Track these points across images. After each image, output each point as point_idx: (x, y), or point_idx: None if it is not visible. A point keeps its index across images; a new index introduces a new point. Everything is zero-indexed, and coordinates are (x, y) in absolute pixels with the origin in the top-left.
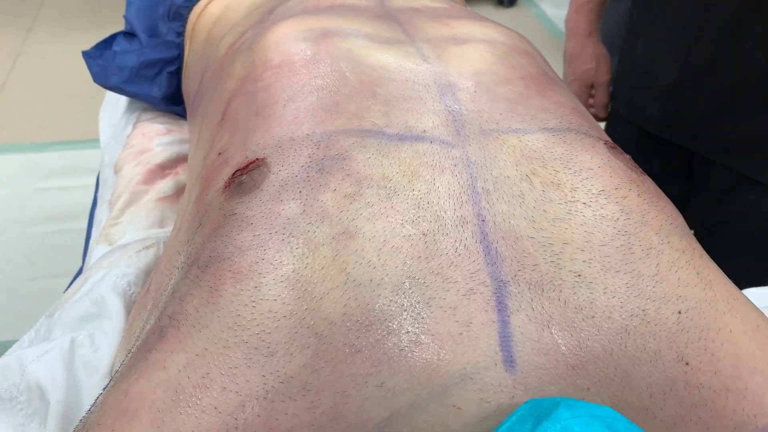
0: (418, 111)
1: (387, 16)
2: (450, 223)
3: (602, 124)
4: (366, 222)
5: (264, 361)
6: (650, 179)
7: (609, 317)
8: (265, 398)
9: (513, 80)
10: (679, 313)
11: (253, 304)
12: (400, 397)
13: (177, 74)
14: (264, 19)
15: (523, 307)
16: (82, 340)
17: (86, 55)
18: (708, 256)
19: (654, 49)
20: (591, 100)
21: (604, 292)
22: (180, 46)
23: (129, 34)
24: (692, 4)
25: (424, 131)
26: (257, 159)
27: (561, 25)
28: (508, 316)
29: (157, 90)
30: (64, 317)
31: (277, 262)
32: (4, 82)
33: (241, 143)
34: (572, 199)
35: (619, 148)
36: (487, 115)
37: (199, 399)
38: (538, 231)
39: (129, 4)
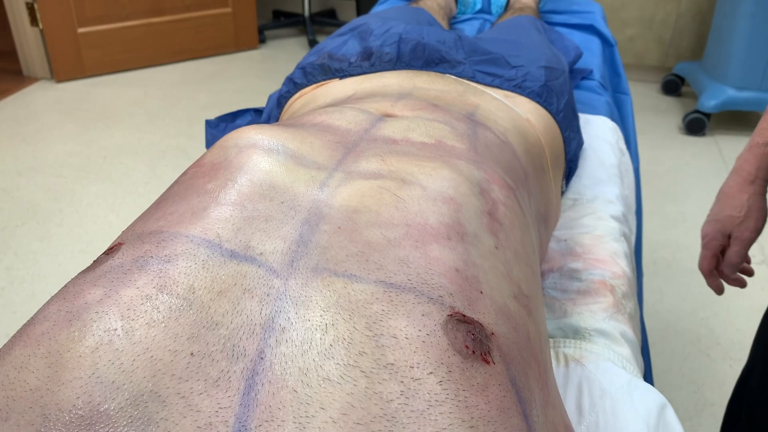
0: (269, 233)
1: (356, 143)
2: (228, 351)
3: None
4: (143, 325)
5: (0, 423)
6: (499, 374)
7: None
8: None
9: (394, 225)
10: None
11: (18, 370)
12: None
13: None
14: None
15: None
16: None
17: (207, 123)
18: None
19: None
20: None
21: None
22: None
23: (259, 111)
24: None
25: (261, 254)
26: (119, 243)
27: None
28: None
29: None
30: None
31: (53, 339)
32: None
33: (131, 226)
34: (353, 364)
35: (477, 323)
36: (332, 253)
37: None
38: (304, 386)
39: None
